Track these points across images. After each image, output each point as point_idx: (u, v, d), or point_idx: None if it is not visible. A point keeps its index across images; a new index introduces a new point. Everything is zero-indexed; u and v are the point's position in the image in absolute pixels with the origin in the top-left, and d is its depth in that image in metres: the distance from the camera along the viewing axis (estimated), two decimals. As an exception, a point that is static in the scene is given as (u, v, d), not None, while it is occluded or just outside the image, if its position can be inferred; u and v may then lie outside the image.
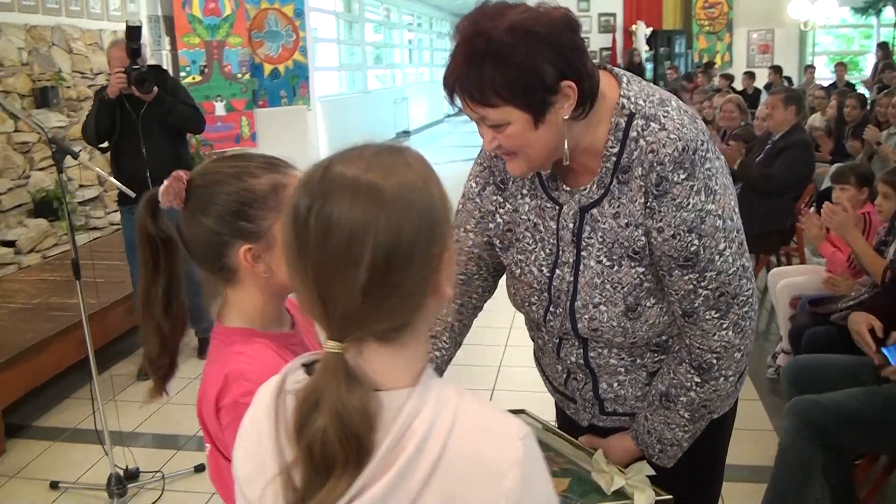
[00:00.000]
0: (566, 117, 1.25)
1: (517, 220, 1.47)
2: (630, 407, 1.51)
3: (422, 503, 0.79)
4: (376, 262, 0.78)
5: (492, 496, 0.79)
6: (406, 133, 16.14)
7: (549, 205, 1.42)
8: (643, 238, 1.34)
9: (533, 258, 1.45)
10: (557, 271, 1.43)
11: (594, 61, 1.30)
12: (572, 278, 1.41)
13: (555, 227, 1.41)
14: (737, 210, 1.34)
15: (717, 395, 1.43)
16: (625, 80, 1.34)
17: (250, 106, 8.34)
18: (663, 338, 1.46)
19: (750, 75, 11.28)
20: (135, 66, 3.88)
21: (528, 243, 1.46)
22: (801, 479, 2.45)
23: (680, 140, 1.27)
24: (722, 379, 1.41)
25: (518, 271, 1.48)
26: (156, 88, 3.96)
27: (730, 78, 10.85)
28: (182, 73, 7.73)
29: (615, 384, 1.50)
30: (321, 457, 0.79)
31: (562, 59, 1.21)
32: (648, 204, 1.31)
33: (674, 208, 1.29)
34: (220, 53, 8.05)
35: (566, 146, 1.29)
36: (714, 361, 1.39)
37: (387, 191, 0.79)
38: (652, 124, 1.29)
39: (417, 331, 0.86)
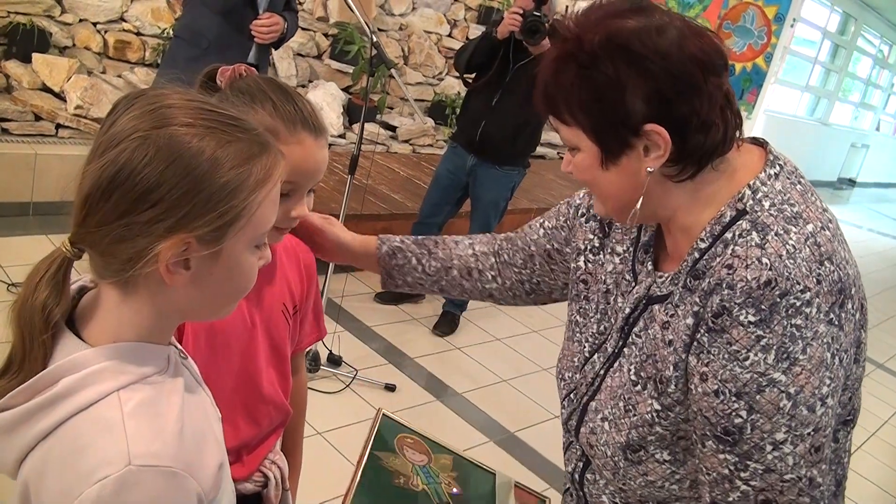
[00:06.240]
0: (650, 170, 0.99)
1: (597, 276, 1.20)
2: None
3: (30, 456, 0.75)
4: (104, 172, 0.74)
5: (72, 491, 0.72)
6: (851, 182, 14.42)
7: (628, 278, 1.15)
8: (671, 369, 1.02)
9: (587, 328, 1.20)
10: (595, 356, 1.16)
11: (745, 135, 1.02)
12: (602, 372, 1.14)
13: (622, 305, 1.14)
14: (830, 404, 0.94)
15: None
16: (774, 169, 1.03)
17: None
18: None
19: None
20: (535, 14, 3.46)
21: (591, 308, 1.20)
22: None
23: (769, 271, 0.92)
24: None
25: (569, 333, 1.24)
26: (547, 43, 3.46)
27: None
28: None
29: None
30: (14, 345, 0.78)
31: (659, 96, 0.95)
32: (699, 336, 0.98)
33: (726, 356, 0.95)
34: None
35: (638, 205, 1.02)
36: None
37: (166, 130, 0.75)
38: (753, 235, 0.97)
39: (139, 298, 0.79)
